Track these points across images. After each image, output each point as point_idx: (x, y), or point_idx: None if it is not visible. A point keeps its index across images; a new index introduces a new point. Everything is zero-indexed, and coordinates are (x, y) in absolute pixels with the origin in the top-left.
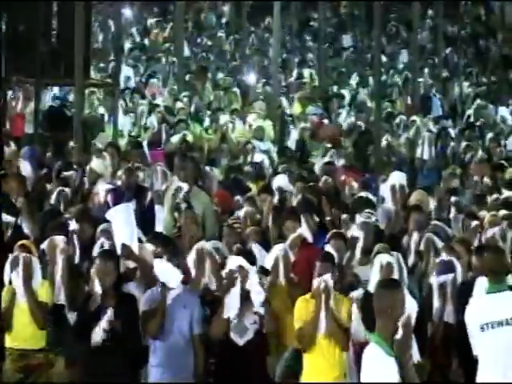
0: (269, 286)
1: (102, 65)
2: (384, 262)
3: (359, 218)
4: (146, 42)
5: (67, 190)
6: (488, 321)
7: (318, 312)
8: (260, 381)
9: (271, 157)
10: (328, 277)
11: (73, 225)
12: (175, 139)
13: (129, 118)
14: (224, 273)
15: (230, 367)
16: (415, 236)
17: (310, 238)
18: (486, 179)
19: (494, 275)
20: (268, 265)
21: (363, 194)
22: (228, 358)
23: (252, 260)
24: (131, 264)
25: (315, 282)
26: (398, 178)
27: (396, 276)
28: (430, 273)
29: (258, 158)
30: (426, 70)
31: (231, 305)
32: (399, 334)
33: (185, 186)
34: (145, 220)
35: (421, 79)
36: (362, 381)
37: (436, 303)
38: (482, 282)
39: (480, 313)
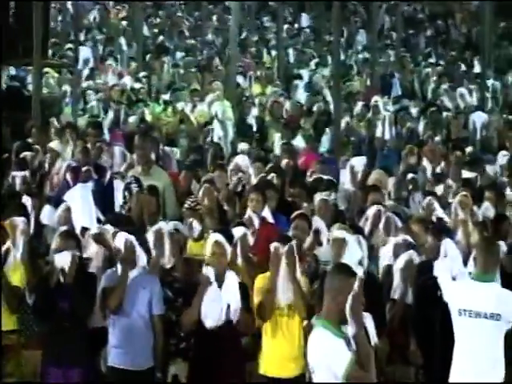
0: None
1: (60, 45)
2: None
3: (318, 196)
4: (105, 22)
5: (26, 172)
6: (467, 307)
7: (275, 277)
8: (235, 364)
9: (229, 137)
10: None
11: (26, 200)
12: (133, 119)
13: (91, 98)
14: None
15: (203, 351)
16: (373, 217)
17: (270, 218)
18: (441, 159)
19: (483, 263)
20: None
21: (322, 175)
22: (200, 342)
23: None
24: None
25: (273, 247)
26: (358, 160)
27: (358, 257)
28: (387, 253)
29: (217, 138)
30: (385, 50)
31: (209, 308)
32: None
33: (138, 168)
34: (104, 200)
35: (380, 59)
36: (310, 364)
37: (395, 284)
38: (447, 245)
39: (460, 296)
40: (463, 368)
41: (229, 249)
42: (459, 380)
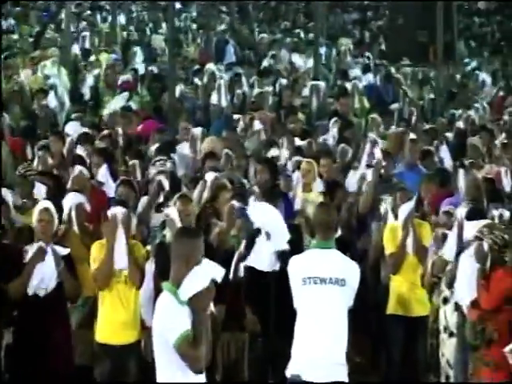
0: (62, 235)
1: None
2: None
3: (154, 167)
4: None
5: None
6: (311, 275)
7: (111, 243)
8: (60, 330)
9: (64, 104)
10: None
11: None
12: None
13: None
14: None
15: (30, 317)
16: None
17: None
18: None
19: (322, 231)
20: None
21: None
22: (28, 309)
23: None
24: None
25: (110, 213)
26: (198, 129)
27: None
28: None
29: (52, 105)
30: (220, 17)
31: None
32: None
33: None
34: None
35: (215, 26)
36: (154, 329)
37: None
38: None
39: (304, 266)
40: (307, 338)
41: (56, 217)
42: (303, 350)
